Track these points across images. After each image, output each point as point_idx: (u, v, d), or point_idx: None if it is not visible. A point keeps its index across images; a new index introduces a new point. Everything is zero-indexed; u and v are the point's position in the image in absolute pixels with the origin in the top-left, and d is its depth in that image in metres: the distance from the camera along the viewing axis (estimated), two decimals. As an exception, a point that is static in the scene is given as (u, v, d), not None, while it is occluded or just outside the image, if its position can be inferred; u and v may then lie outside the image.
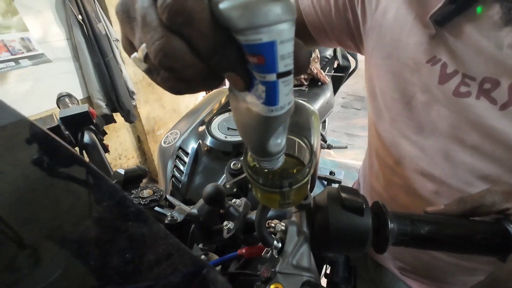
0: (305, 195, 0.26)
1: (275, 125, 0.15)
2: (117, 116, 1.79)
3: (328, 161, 2.31)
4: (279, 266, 0.25)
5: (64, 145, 0.21)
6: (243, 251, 0.33)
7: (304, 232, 0.27)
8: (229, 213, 0.34)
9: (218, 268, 0.37)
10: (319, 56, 1.43)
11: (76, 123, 0.48)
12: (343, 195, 0.27)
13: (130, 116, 1.78)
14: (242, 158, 0.22)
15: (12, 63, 1.27)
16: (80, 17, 1.45)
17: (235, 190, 0.37)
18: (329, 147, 1.72)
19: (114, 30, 1.63)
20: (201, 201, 0.35)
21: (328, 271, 0.45)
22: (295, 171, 0.23)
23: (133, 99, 1.80)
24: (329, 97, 1.37)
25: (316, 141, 0.68)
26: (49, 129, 0.45)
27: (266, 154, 0.17)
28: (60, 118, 0.48)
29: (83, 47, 1.52)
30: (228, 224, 0.32)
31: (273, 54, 0.11)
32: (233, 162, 0.40)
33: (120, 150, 2.03)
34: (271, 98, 0.13)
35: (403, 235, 0.26)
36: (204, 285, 0.19)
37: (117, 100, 1.69)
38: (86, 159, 0.50)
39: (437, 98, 0.35)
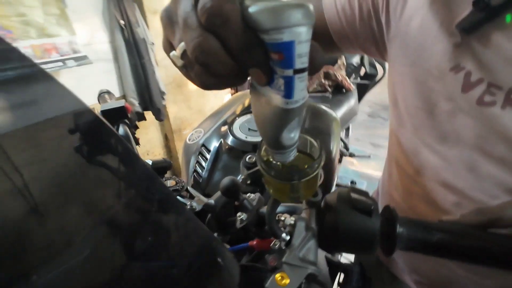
0: (314, 191, 0.27)
1: (290, 117, 0.17)
2: (147, 115, 1.91)
3: (350, 170, 2.25)
4: (286, 257, 0.26)
5: (117, 134, 0.24)
6: (254, 243, 0.34)
7: (312, 228, 0.28)
8: (243, 206, 0.36)
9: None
10: (345, 63, 1.41)
11: (113, 116, 0.54)
12: (353, 195, 0.27)
13: (160, 115, 1.90)
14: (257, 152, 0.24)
15: (60, 63, 1.43)
16: (122, 22, 1.58)
17: (249, 182, 0.39)
18: (351, 155, 1.68)
19: (151, 34, 1.75)
20: (218, 193, 0.38)
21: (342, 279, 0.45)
22: (305, 166, 0.24)
23: (163, 99, 1.92)
24: (353, 105, 1.35)
25: (335, 146, 0.68)
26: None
27: (280, 146, 0.19)
28: (101, 111, 0.54)
29: (122, 50, 1.66)
30: (241, 215, 0.34)
31: (292, 52, 0.14)
32: (249, 156, 0.42)
33: (148, 146, 2.15)
34: (288, 91, 0.15)
35: (412, 240, 0.26)
36: (213, 257, 0.21)
37: (150, 99, 1.81)
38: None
39: (461, 107, 0.34)
